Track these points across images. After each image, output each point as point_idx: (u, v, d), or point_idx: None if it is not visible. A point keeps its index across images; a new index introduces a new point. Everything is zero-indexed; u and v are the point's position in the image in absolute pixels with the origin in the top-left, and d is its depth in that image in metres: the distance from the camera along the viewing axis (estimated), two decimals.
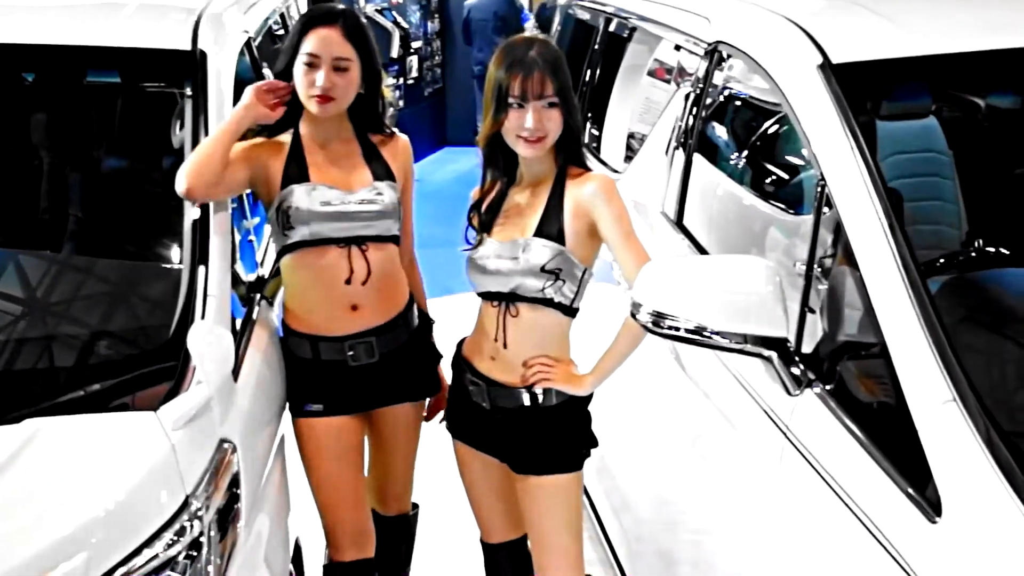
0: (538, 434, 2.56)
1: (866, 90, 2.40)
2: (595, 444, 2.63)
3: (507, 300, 2.51)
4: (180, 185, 2.50)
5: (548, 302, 2.48)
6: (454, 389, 2.73)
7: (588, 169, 2.53)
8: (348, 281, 2.69)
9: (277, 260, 2.81)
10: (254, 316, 2.70)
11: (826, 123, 2.24)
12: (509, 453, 2.62)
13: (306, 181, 2.67)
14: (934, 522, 1.65)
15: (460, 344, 2.72)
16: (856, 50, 2.40)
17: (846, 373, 2.03)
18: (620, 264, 2.43)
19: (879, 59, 2.38)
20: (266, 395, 2.61)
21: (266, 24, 3.82)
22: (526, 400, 2.54)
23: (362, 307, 2.73)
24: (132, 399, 2.19)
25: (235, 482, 2.20)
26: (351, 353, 2.74)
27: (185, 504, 2.00)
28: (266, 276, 2.95)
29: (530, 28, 10.07)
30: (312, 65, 2.62)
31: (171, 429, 2.06)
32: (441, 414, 2.85)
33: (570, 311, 2.52)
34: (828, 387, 2.04)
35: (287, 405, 2.80)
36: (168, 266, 2.57)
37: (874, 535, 1.75)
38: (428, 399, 2.98)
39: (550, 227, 2.46)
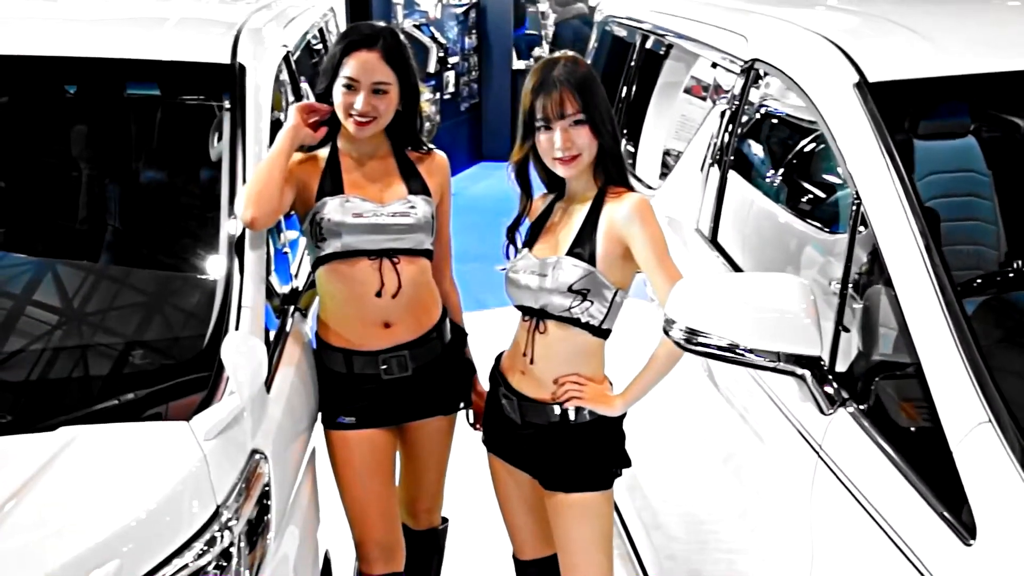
0: (567, 451, 2.55)
1: (903, 109, 2.38)
2: (627, 464, 2.62)
3: (537, 316, 2.52)
4: (245, 215, 2.53)
5: (575, 321, 2.48)
6: (490, 402, 2.73)
7: (629, 188, 2.53)
8: (379, 294, 2.70)
9: (311, 272, 2.83)
10: (288, 328, 2.72)
11: (862, 142, 2.23)
12: (539, 469, 2.61)
13: (340, 194, 2.69)
14: (968, 545, 1.64)
15: (498, 357, 2.73)
16: (892, 69, 2.39)
17: (880, 393, 2.02)
18: (654, 287, 2.42)
19: (916, 78, 2.37)
20: (298, 407, 2.62)
21: (304, 39, 3.85)
22: (556, 416, 2.54)
23: (394, 324, 2.74)
24: (166, 409, 2.21)
25: (266, 494, 2.21)
26: (384, 367, 2.76)
27: (216, 514, 2.01)
28: (300, 288, 2.96)
29: (539, 53, 10.12)
30: (351, 88, 2.64)
31: (203, 439, 2.08)
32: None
33: (600, 331, 2.52)
34: (862, 407, 2.03)
35: (319, 417, 2.81)
36: (203, 277, 2.59)
37: (908, 557, 1.73)
38: (467, 409, 2.97)
39: (582, 247, 2.46)
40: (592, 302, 2.46)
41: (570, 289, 2.45)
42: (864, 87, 2.32)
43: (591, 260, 2.45)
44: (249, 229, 2.56)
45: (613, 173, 2.50)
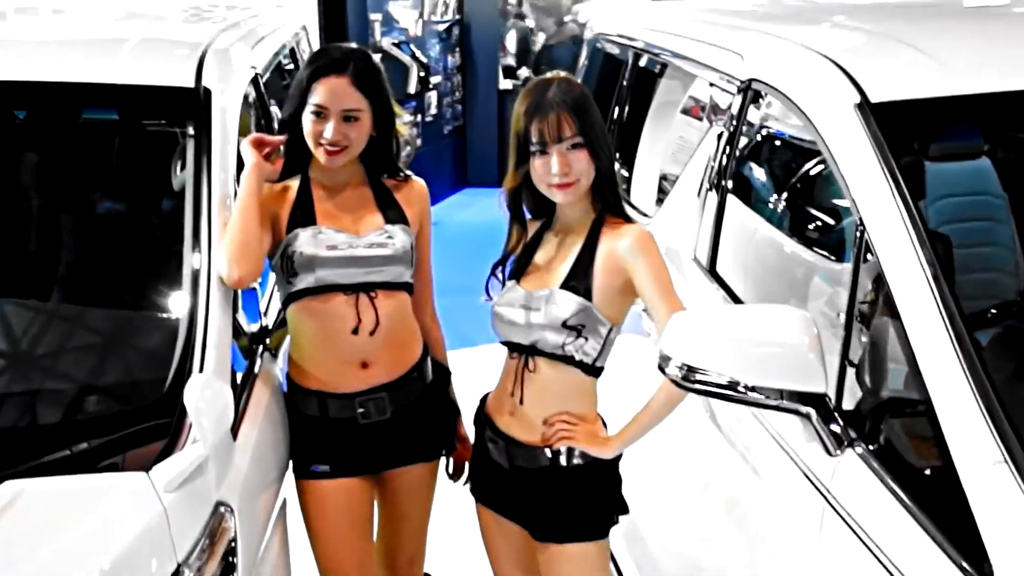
0: (560, 498, 2.55)
1: (908, 130, 2.40)
2: (624, 510, 2.61)
3: (527, 353, 2.52)
4: (231, 276, 2.55)
5: (568, 359, 2.49)
6: (476, 447, 2.73)
7: (627, 219, 2.54)
8: (355, 331, 2.70)
9: (282, 310, 2.84)
10: (256, 370, 2.72)
11: (864, 165, 2.24)
12: (530, 518, 2.61)
13: (312, 225, 2.70)
14: None
15: (484, 398, 2.73)
16: (896, 88, 2.41)
17: (890, 432, 2.03)
18: (658, 324, 2.43)
19: (921, 98, 2.39)
20: (268, 455, 2.61)
21: (275, 59, 3.87)
22: (546, 460, 2.54)
23: (372, 363, 2.74)
24: (122, 458, 2.20)
25: (232, 550, 2.20)
26: (361, 410, 2.75)
27: (177, 573, 2.00)
28: (270, 327, 2.97)
29: (526, 73, 10.15)
30: (320, 115, 2.66)
31: (163, 491, 2.07)
32: (467, 474, 2.86)
33: (592, 370, 2.52)
34: (871, 447, 2.03)
35: (290, 466, 2.80)
36: (164, 315, 2.59)
37: None
38: (447, 458, 2.98)
39: (578, 280, 2.47)
40: (587, 339, 2.46)
41: (564, 325, 2.45)
42: (866, 107, 2.33)
43: (587, 294, 2.45)
44: (236, 288, 2.58)
45: (609, 199, 2.51)
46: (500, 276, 2.66)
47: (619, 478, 2.61)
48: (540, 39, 10.69)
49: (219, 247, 2.59)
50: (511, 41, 10.87)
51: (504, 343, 2.59)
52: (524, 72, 10.47)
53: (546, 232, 2.61)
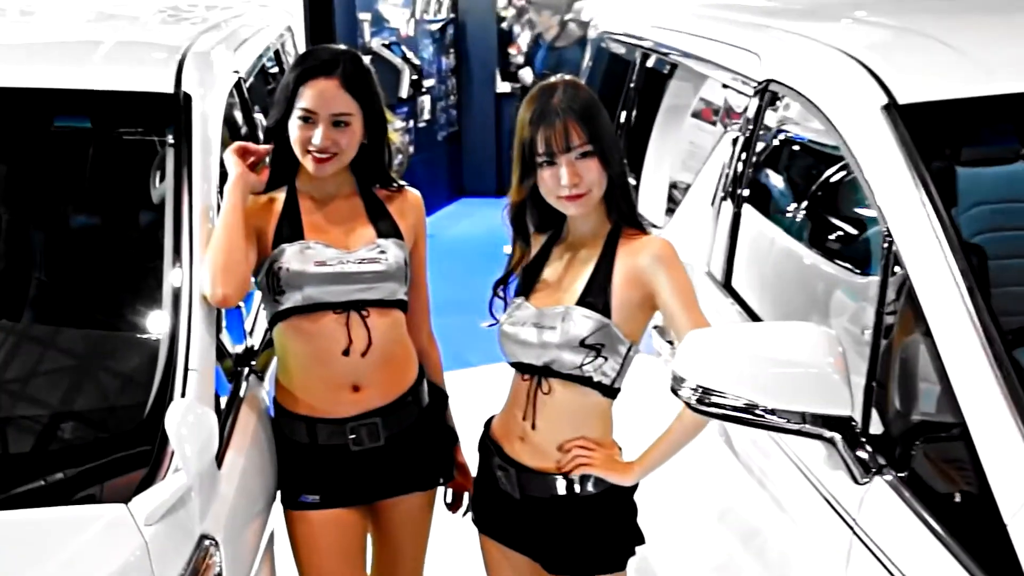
0: (575, 528, 2.54)
1: (938, 134, 2.39)
2: (641, 540, 2.61)
3: (540, 374, 2.51)
4: (215, 295, 2.55)
5: (585, 380, 2.48)
6: (481, 475, 2.72)
7: (643, 230, 2.53)
8: (346, 352, 2.69)
9: (268, 329, 2.83)
10: (242, 393, 2.71)
11: (891, 171, 2.24)
12: (541, 550, 2.60)
13: (299, 239, 2.69)
14: None
15: (488, 423, 2.72)
16: (926, 89, 2.41)
17: (922, 458, 2.01)
18: (679, 343, 2.42)
19: (952, 99, 2.39)
20: (255, 485, 2.61)
21: (259, 63, 3.88)
22: (561, 489, 2.53)
23: (364, 386, 2.73)
24: (100, 489, 2.19)
25: None
26: (353, 436, 2.74)
27: None
28: (256, 348, 2.96)
29: (526, 75, 10.14)
30: (308, 121, 2.66)
31: (144, 524, 2.06)
32: (466, 504, 2.84)
33: (610, 391, 2.52)
34: (901, 474, 2.01)
35: (279, 496, 2.79)
36: (144, 336, 2.58)
37: None
38: (445, 487, 2.97)
39: (595, 296, 2.46)
40: (606, 358, 2.46)
41: (582, 344, 2.44)
42: (893, 109, 2.33)
43: (605, 311, 2.45)
44: (221, 307, 2.58)
45: (624, 209, 2.51)
46: (503, 296, 2.65)
47: (635, 507, 2.61)
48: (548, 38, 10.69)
49: (202, 264, 2.58)
50: (524, 41, 10.86)
51: (513, 364, 2.58)
52: (527, 74, 10.44)
53: (554, 246, 2.61)
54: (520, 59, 10.84)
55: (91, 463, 2.26)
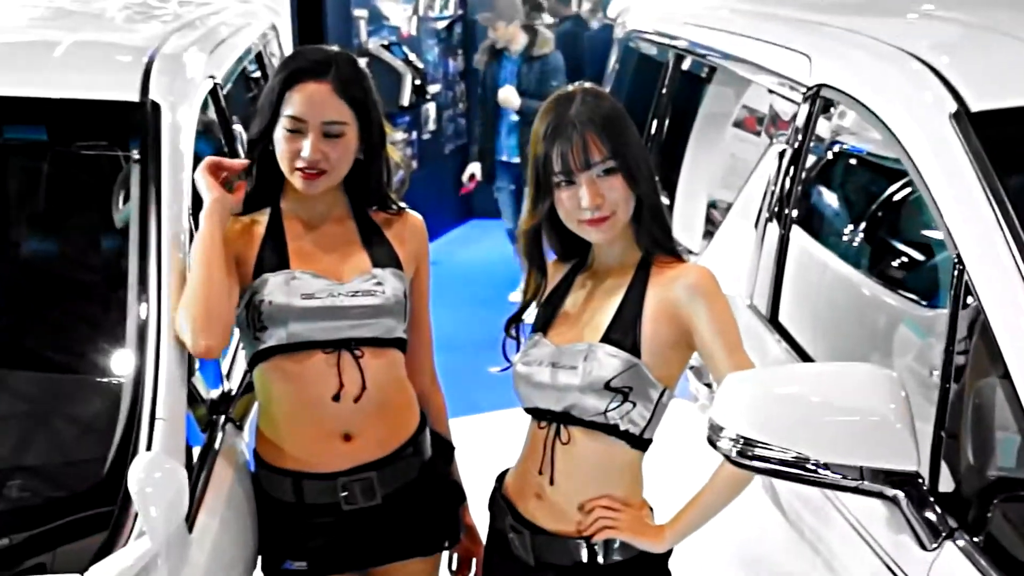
0: None
1: (1015, 144, 2.39)
2: None
3: (559, 422, 2.51)
4: (197, 346, 2.53)
5: (611, 429, 2.47)
6: (492, 538, 2.72)
7: (679, 257, 2.53)
8: (337, 397, 2.69)
9: (248, 371, 2.83)
10: (217, 445, 2.71)
11: (962, 188, 2.24)
12: None
13: (285, 268, 2.70)
14: None
15: (501, 477, 2.72)
16: (1001, 94, 2.42)
17: (1000, 520, 2.00)
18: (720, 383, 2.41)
19: None
20: (231, 550, 2.60)
21: (239, 67, 3.89)
22: (582, 555, 2.52)
23: (357, 436, 2.73)
24: (52, 557, 2.19)
25: None
26: (345, 494, 2.74)
27: None
28: (234, 393, 2.96)
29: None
30: (296, 131, 2.66)
31: None
32: (474, 572, 2.84)
33: (640, 442, 2.51)
34: (976, 539, 2.01)
35: (259, 563, 2.79)
36: (105, 379, 2.59)
37: None
38: (450, 552, 2.97)
39: (623, 332, 2.46)
40: (634, 403, 2.45)
41: (607, 386, 2.44)
42: (964, 117, 2.34)
43: (634, 350, 2.44)
44: (203, 358, 2.58)
45: (656, 233, 2.50)
46: (516, 336, 2.64)
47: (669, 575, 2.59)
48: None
49: (179, 309, 2.56)
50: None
51: (528, 410, 2.58)
52: (510, 94, 10.41)
53: (577, 275, 2.61)
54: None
55: (42, 527, 2.26)
